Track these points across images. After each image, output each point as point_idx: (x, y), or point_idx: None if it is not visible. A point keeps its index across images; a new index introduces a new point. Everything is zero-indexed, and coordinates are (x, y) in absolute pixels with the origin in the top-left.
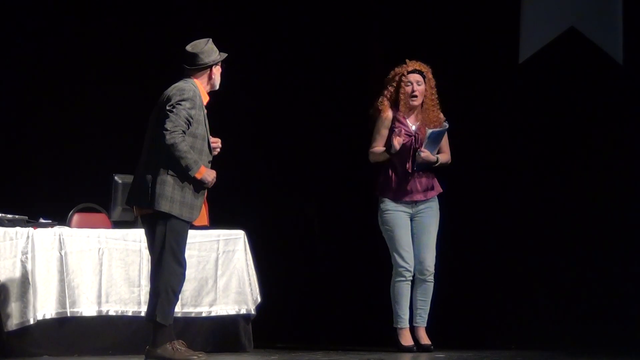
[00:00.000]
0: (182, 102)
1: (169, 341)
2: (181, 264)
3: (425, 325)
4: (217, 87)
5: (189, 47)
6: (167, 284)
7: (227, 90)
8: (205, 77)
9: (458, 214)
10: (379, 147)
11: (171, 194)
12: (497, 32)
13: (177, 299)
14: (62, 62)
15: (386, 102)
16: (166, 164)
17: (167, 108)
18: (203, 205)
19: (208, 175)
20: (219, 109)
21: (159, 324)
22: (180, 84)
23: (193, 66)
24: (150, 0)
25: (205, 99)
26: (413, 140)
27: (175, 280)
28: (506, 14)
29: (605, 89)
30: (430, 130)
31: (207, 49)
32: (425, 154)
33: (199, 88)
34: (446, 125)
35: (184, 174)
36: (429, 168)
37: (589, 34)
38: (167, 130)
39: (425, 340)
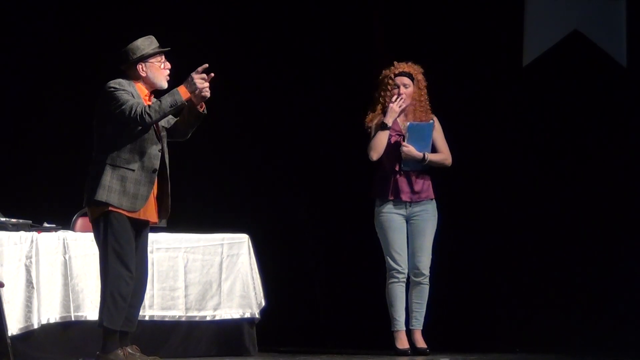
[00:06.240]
0: (114, 92)
1: (121, 347)
2: (127, 266)
3: (421, 327)
4: (162, 84)
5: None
6: (114, 288)
7: (228, 92)
8: (134, 75)
9: (462, 216)
10: None
11: (108, 183)
12: (500, 35)
13: (127, 303)
14: (67, 65)
15: (369, 111)
16: (103, 156)
17: (111, 107)
18: (153, 200)
19: (190, 86)
20: (221, 110)
21: (107, 329)
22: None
23: (122, 64)
24: (157, 1)
25: (143, 95)
26: (402, 140)
27: (122, 284)
28: (510, 16)
29: (609, 91)
30: (408, 123)
31: (135, 46)
32: (407, 148)
33: (135, 85)
34: (431, 121)
35: (123, 163)
36: (418, 166)
37: (592, 37)
38: (131, 116)
39: (421, 343)
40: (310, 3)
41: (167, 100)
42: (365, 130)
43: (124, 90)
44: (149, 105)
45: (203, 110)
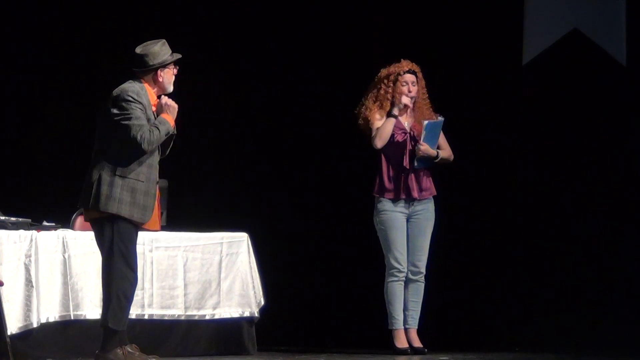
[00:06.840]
0: (131, 103)
1: (120, 346)
2: (132, 268)
3: (416, 327)
4: (170, 89)
5: (137, 49)
6: (119, 289)
7: (228, 92)
8: (151, 80)
9: (462, 216)
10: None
11: (119, 195)
12: (500, 33)
13: (130, 304)
14: (67, 65)
15: (374, 107)
16: (114, 166)
17: (119, 116)
18: (156, 209)
19: (172, 113)
20: (221, 110)
21: (110, 329)
22: (125, 84)
23: (139, 68)
24: (157, 2)
25: (153, 100)
26: (408, 137)
27: (127, 285)
28: (510, 15)
29: (608, 90)
30: (425, 122)
31: (154, 51)
32: (425, 147)
33: (147, 89)
34: (441, 118)
35: (132, 174)
36: (429, 164)
37: (592, 36)
38: (136, 139)
39: (417, 343)
40: (310, 3)
41: (162, 129)
42: (368, 125)
43: (139, 103)
44: (151, 133)
45: (174, 130)
